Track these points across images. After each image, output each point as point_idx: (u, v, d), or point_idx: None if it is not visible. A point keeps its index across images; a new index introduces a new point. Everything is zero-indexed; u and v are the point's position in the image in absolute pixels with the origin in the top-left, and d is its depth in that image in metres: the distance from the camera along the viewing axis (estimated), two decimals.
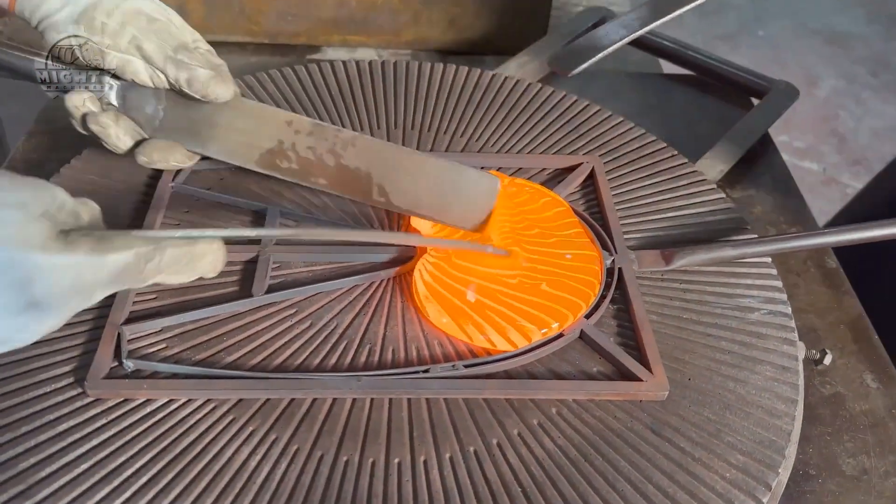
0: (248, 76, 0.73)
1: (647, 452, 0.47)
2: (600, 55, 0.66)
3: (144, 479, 0.45)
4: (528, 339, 0.52)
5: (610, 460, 0.47)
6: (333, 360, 0.52)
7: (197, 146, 0.57)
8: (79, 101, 0.55)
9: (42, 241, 0.37)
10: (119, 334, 0.51)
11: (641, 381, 0.50)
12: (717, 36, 2.33)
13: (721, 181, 0.73)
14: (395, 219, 0.62)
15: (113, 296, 0.52)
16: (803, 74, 2.25)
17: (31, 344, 0.49)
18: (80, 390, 0.49)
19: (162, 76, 0.54)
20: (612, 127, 0.71)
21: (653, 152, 0.69)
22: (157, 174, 0.63)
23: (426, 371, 0.51)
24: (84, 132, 0.57)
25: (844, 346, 0.60)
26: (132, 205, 0.61)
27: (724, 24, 2.41)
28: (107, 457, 0.46)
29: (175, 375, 0.50)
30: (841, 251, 0.66)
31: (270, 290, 0.55)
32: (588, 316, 0.55)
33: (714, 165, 0.73)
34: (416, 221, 0.59)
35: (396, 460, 0.47)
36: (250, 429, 0.48)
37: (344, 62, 0.76)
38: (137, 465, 0.45)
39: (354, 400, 0.50)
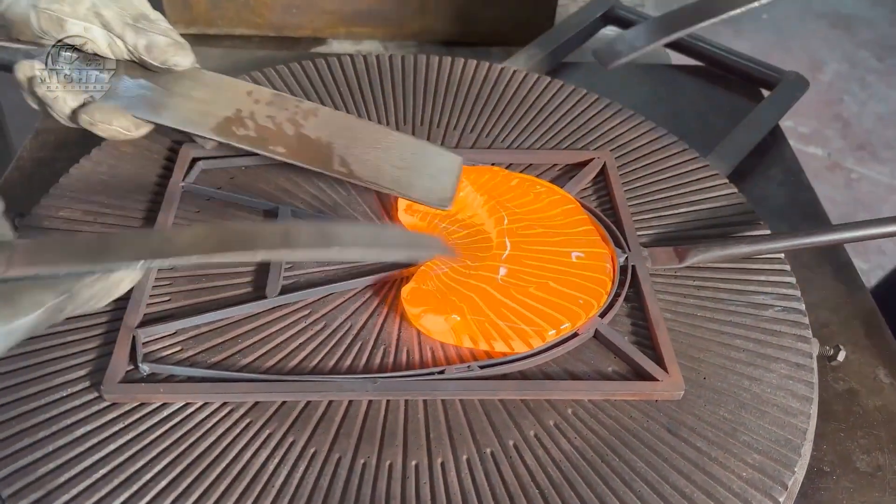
0: (254, 72, 0.72)
1: (663, 452, 0.48)
2: (644, 49, 0.66)
3: (163, 484, 0.45)
4: (528, 344, 0.52)
5: (626, 461, 0.47)
6: (348, 362, 0.52)
7: (148, 114, 0.55)
8: (28, 69, 0.55)
9: None
10: (134, 338, 0.51)
11: (657, 380, 0.50)
12: (720, 21, 2.31)
13: (732, 174, 0.72)
14: (396, 217, 0.61)
15: (126, 298, 0.52)
16: (808, 58, 2.24)
17: (46, 347, 0.51)
18: (96, 395, 0.49)
19: (120, 44, 0.54)
20: (623, 121, 0.71)
21: (664, 147, 0.69)
22: (167, 173, 0.63)
23: (441, 372, 0.51)
24: (32, 103, 0.56)
25: (857, 341, 0.60)
26: (142, 204, 0.61)
27: None
28: (125, 461, 0.46)
29: (191, 379, 0.50)
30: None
31: (284, 291, 0.55)
32: (602, 315, 0.54)
33: (725, 159, 0.72)
34: (402, 215, 0.59)
35: (414, 462, 0.47)
36: (267, 432, 0.48)
37: (351, 56, 0.75)
38: (156, 470, 0.46)
39: (371, 402, 0.50)
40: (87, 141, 0.67)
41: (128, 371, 0.50)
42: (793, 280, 0.58)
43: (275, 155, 0.53)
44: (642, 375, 0.51)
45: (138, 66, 0.55)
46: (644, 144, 0.69)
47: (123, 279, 0.44)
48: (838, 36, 2.34)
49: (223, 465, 0.46)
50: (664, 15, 0.68)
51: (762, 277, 0.58)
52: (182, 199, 0.61)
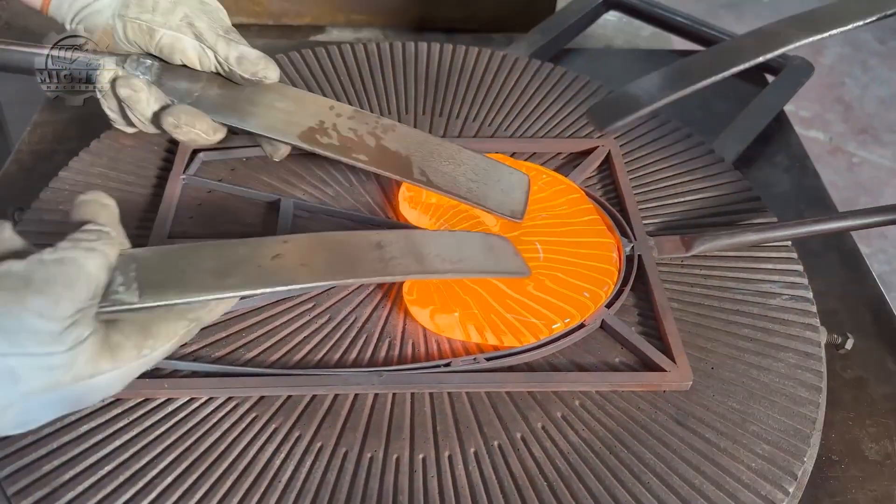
0: None
1: (672, 444, 0.47)
2: (643, 111, 0.58)
3: (169, 480, 0.45)
4: (535, 335, 0.52)
5: (635, 452, 0.47)
6: (354, 355, 0.51)
7: (234, 120, 0.56)
8: (111, 72, 0.55)
9: (89, 367, 0.35)
10: None
11: (665, 371, 0.50)
12: (722, 4, 2.29)
13: (737, 161, 0.72)
14: (399, 214, 0.61)
15: None
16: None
17: None
18: None
19: (210, 55, 0.54)
20: None
21: (669, 133, 0.68)
22: (168, 165, 0.62)
23: (447, 365, 0.50)
24: (107, 106, 0.56)
25: (865, 328, 0.60)
26: (143, 197, 0.60)
27: None
28: (130, 458, 0.46)
29: (195, 373, 0.49)
30: None
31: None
32: (609, 305, 0.54)
33: (730, 145, 0.71)
34: (404, 208, 0.59)
35: (421, 456, 0.47)
36: (273, 426, 0.47)
37: (351, 45, 0.74)
38: (162, 466, 0.45)
39: (377, 395, 0.49)
40: (86, 134, 0.66)
41: None
42: (800, 268, 0.58)
43: (357, 163, 0.55)
44: (650, 366, 0.51)
45: (221, 79, 0.55)
46: (649, 132, 0.68)
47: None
48: None
49: (229, 460, 0.46)
50: (667, 70, 0.60)
51: (769, 266, 0.58)
52: (183, 191, 0.60)
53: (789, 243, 0.59)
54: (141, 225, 0.58)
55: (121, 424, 0.47)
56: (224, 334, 0.52)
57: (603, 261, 0.56)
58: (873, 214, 0.57)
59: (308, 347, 0.52)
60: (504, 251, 0.52)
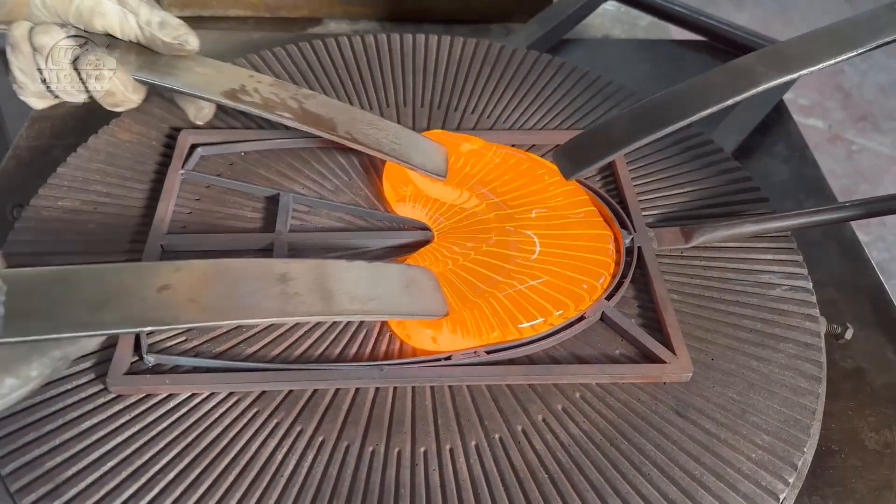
0: (251, 55, 0.71)
1: (672, 435, 0.47)
2: (612, 156, 0.54)
3: (172, 475, 0.45)
4: (534, 328, 0.52)
5: (636, 444, 0.47)
6: (354, 349, 0.51)
7: (154, 77, 0.55)
8: (25, 24, 0.52)
9: None
10: None
11: (665, 363, 0.50)
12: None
13: (736, 151, 0.72)
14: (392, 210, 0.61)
15: None
16: (808, 28, 2.21)
17: None
18: (101, 387, 0.48)
19: (131, 20, 0.53)
20: (626, 99, 0.70)
21: None
22: (166, 161, 0.62)
23: (448, 358, 0.50)
24: (16, 66, 0.53)
25: (865, 318, 0.60)
26: (142, 193, 0.60)
27: None
28: (133, 453, 0.46)
29: (196, 369, 0.49)
30: None
31: None
32: (609, 297, 0.54)
33: (729, 135, 0.71)
34: (397, 207, 0.60)
35: (422, 449, 0.47)
36: (275, 421, 0.48)
37: (349, 37, 0.74)
38: (164, 461, 0.45)
39: (378, 389, 0.49)
40: (84, 129, 0.66)
41: (133, 362, 0.49)
42: (799, 258, 0.58)
43: (282, 119, 0.55)
44: (650, 358, 0.51)
45: (141, 47, 0.55)
46: None
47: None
48: (839, 6, 2.32)
49: (231, 455, 0.46)
50: (636, 111, 0.54)
51: (769, 256, 0.58)
52: (182, 186, 0.60)
53: (789, 234, 0.59)
54: (140, 221, 0.58)
55: (123, 420, 0.47)
56: (224, 329, 0.52)
57: (599, 252, 0.56)
58: (873, 204, 0.57)
59: (309, 342, 0.52)
60: (424, 288, 0.49)
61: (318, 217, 0.60)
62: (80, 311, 0.36)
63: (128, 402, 0.48)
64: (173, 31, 0.54)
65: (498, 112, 0.68)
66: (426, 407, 0.49)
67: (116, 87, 0.53)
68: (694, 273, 0.57)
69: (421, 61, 0.72)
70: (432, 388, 0.50)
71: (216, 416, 0.48)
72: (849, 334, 0.56)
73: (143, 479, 0.45)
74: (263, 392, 0.49)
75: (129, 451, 0.46)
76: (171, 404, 0.48)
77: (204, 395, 0.48)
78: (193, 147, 0.62)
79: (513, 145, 0.65)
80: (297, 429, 0.47)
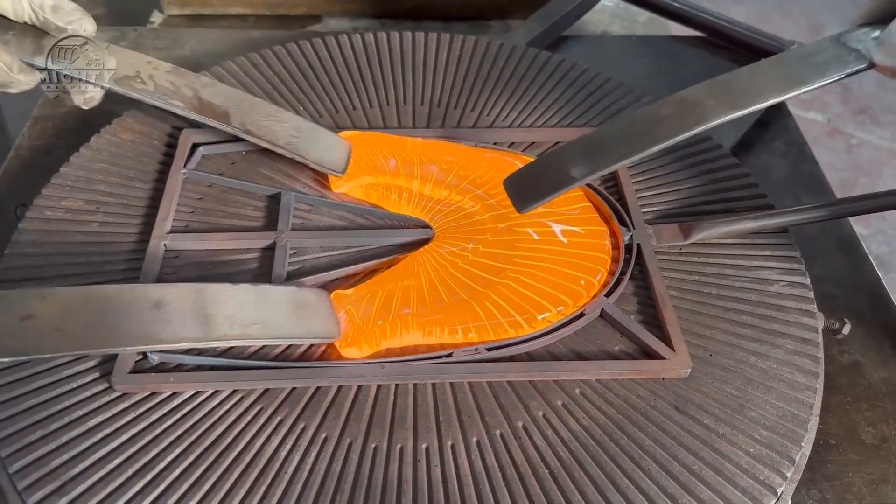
0: (252, 54, 0.72)
1: (671, 430, 0.48)
2: (561, 192, 0.52)
3: (177, 473, 0.45)
4: (533, 326, 0.52)
5: (635, 439, 0.48)
6: None
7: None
8: None
9: None
10: None
11: (664, 359, 0.51)
12: None
13: (735, 147, 0.72)
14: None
15: None
16: (807, 22, 2.21)
17: None
18: (106, 385, 0.49)
19: (24, 3, 0.52)
20: (625, 96, 0.70)
21: None
22: (168, 160, 0.62)
23: (449, 356, 0.51)
24: None
25: (862, 313, 0.61)
26: (144, 192, 0.61)
27: None
28: (138, 451, 0.46)
29: (200, 367, 0.50)
30: None
31: (290, 277, 0.55)
32: (608, 294, 0.55)
33: (728, 132, 0.72)
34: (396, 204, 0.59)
35: (424, 446, 0.47)
36: (278, 418, 0.48)
37: (349, 35, 0.74)
38: (169, 459, 0.46)
39: (379, 387, 0.50)
40: (85, 129, 0.66)
41: (137, 361, 0.50)
42: (797, 254, 0.58)
43: (174, 108, 0.54)
44: (649, 354, 0.52)
45: (35, 29, 0.54)
46: None
47: None
48: None
49: (236, 452, 0.47)
50: (584, 144, 0.53)
51: (767, 252, 0.58)
52: (184, 186, 0.61)
53: (787, 230, 0.59)
54: (142, 221, 0.59)
55: (128, 418, 0.48)
56: None
57: (596, 249, 0.56)
58: (870, 199, 0.58)
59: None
60: (314, 310, 0.48)
61: (319, 216, 0.60)
62: None
63: (133, 401, 0.48)
64: (67, 16, 0.52)
65: (497, 110, 0.69)
66: (428, 404, 0.49)
67: (1, 70, 0.52)
68: (693, 269, 0.57)
69: (421, 59, 0.73)
70: (433, 384, 0.50)
71: (220, 413, 0.48)
72: (846, 329, 0.57)
73: (149, 476, 0.45)
74: (267, 390, 0.49)
75: (134, 449, 0.46)
76: (176, 402, 0.48)
77: (208, 393, 0.49)
78: (195, 146, 0.63)
79: (512, 143, 0.66)
80: (301, 426, 0.48)
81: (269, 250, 0.57)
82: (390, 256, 0.57)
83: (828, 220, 0.60)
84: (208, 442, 0.47)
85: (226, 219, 0.59)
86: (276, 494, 0.45)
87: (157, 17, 0.92)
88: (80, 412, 0.48)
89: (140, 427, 0.47)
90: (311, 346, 0.52)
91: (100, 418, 0.47)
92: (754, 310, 0.54)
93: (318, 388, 0.50)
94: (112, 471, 0.45)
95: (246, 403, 0.49)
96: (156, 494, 0.44)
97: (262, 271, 0.56)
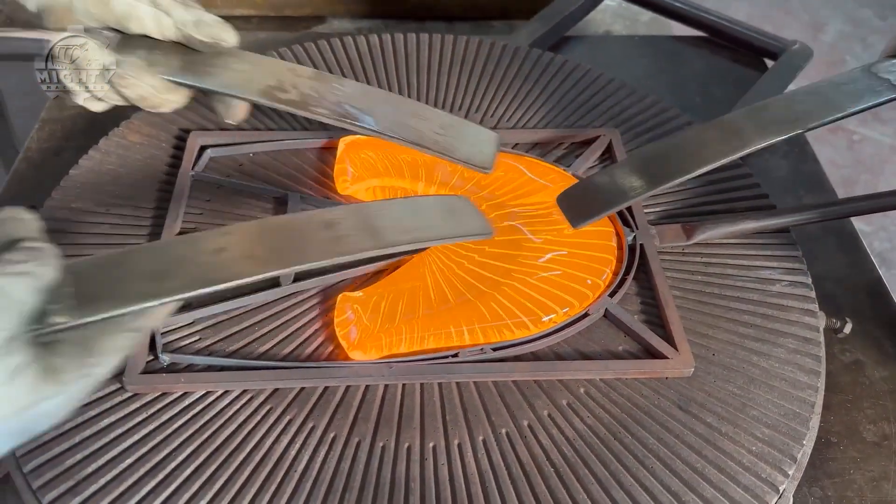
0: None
1: (674, 429, 0.49)
2: (615, 209, 0.55)
3: (188, 472, 0.46)
4: (538, 326, 0.53)
5: (639, 438, 0.48)
6: None
7: (190, 79, 0.55)
8: (65, 41, 0.52)
9: (30, 396, 0.33)
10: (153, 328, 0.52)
11: (667, 358, 0.51)
12: None
13: None
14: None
15: None
16: (809, 19, 2.21)
17: None
18: (118, 385, 0.50)
19: (167, 21, 0.53)
20: (628, 97, 0.71)
21: (669, 121, 0.69)
22: (176, 162, 0.63)
23: (455, 356, 0.51)
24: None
25: (863, 312, 0.61)
26: (153, 194, 0.61)
27: None
28: (150, 451, 0.47)
29: (210, 367, 0.51)
30: None
31: (297, 278, 0.56)
32: (612, 294, 0.55)
33: None
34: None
35: (431, 444, 0.48)
36: (287, 418, 0.49)
37: (353, 37, 0.75)
38: (180, 458, 0.47)
39: (387, 386, 0.51)
40: (94, 130, 0.67)
41: (148, 362, 0.51)
42: (799, 254, 0.59)
43: (318, 116, 0.54)
44: (653, 354, 0.52)
45: (180, 46, 0.55)
46: (649, 119, 0.69)
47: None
48: None
49: (246, 451, 0.47)
50: (637, 164, 0.55)
51: (768, 252, 0.59)
52: (192, 187, 0.61)
53: (789, 230, 0.60)
54: (152, 222, 0.59)
55: (140, 418, 0.48)
56: (237, 328, 0.53)
57: (602, 250, 0.57)
58: (871, 199, 0.58)
59: (319, 340, 0.53)
60: (465, 212, 0.49)
61: None
62: (143, 284, 0.37)
63: (144, 401, 0.49)
64: (208, 29, 0.53)
65: (501, 111, 0.69)
66: (434, 403, 0.50)
67: (147, 91, 0.53)
68: (695, 269, 0.58)
69: (425, 61, 0.73)
70: (440, 384, 0.51)
71: (230, 413, 0.49)
72: (847, 328, 0.57)
73: (161, 476, 0.46)
74: (276, 390, 0.50)
75: (146, 449, 0.47)
76: (186, 402, 0.49)
77: (218, 393, 0.50)
78: (203, 149, 0.64)
79: (516, 144, 0.66)
80: (310, 425, 0.49)
81: None
82: (396, 258, 0.57)
83: (829, 220, 0.61)
84: (219, 441, 0.48)
85: (234, 220, 0.60)
86: (286, 493, 0.45)
87: None
88: (93, 412, 0.48)
89: (152, 427, 0.48)
90: (318, 347, 0.52)
91: (112, 418, 0.48)
92: (756, 309, 0.55)
93: (326, 388, 0.50)
94: (124, 470, 0.46)
95: (255, 403, 0.50)
96: (167, 493, 0.45)
97: None
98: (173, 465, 0.46)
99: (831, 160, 1.83)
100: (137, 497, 0.45)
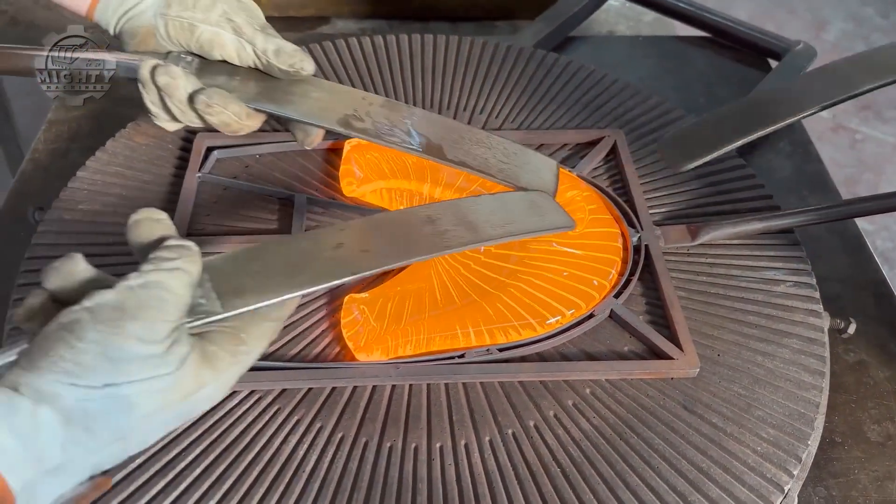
0: None
1: (680, 429, 0.49)
2: (718, 153, 0.57)
3: (197, 472, 0.47)
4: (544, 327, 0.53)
5: (644, 438, 0.49)
6: None
7: (271, 107, 0.57)
8: (151, 62, 0.55)
9: (194, 382, 0.36)
10: None
11: (673, 359, 0.52)
12: None
13: (740, 148, 0.72)
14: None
15: None
16: (812, 17, 2.21)
17: None
18: None
19: (248, 49, 0.55)
20: (632, 97, 0.71)
21: (673, 121, 0.69)
22: (183, 164, 0.63)
23: (462, 356, 0.52)
24: (148, 100, 0.56)
25: (867, 312, 0.61)
26: (160, 195, 0.62)
27: None
28: (159, 451, 0.47)
29: None
30: None
31: None
32: (617, 295, 0.56)
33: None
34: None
35: (438, 445, 0.48)
36: (295, 418, 0.49)
37: (358, 38, 0.75)
38: (190, 458, 0.47)
39: (394, 387, 0.51)
40: (100, 131, 0.68)
41: None
42: (803, 255, 0.59)
43: (391, 145, 0.56)
44: (658, 354, 0.52)
45: (258, 72, 0.57)
46: (653, 120, 0.69)
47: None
48: None
49: (254, 451, 0.48)
50: (739, 108, 0.58)
51: (773, 253, 0.59)
52: (199, 189, 0.62)
53: (793, 230, 0.60)
54: None
55: None
56: None
57: (608, 251, 0.57)
58: (875, 200, 0.58)
59: (326, 341, 0.53)
60: (547, 207, 0.52)
61: (332, 218, 0.61)
62: (279, 278, 0.40)
63: None
64: (288, 59, 0.55)
65: (507, 112, 0.69)
66: (441, 403, 0.50)
67: (230, 118, 0.55)
68: (700, 270, 0.58)
69: (430, 62, 0.74)
70: (447, 385, 0.51)
71: (239, 413, 0.49)
72: (852, 329, 0.57)
73: (171, 475, 0.46)
74: (284, 390, 0.50)
75: (155, 449, 0.47)
76: None
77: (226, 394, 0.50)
78: (209, 150, 0.64)
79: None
80: (318, 425, 0.49)
81: None
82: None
83: (833, 221, 0.61)
84: (227, 442, 0.48)
85: (241, 221, 0.60)
86: (295, 493, 0.46)
87: None
88: None
89: None
90: (326, 347, 0.53)
91: None
92: (761, 310, 0.55)
93: (333, 389, 0.51)
94: (134, 470, 0.46)
95: (264, 403, 0.50)
96: (177, 493, 0.46)
97: None
98: (183, 464, 0.47)
99: (833, 159, 1.83)
100: (147, 497, 0.45)
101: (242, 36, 0.55)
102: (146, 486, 0.46)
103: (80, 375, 0.33)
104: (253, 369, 0.50)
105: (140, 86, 0.56)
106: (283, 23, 0.94)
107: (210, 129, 0.57)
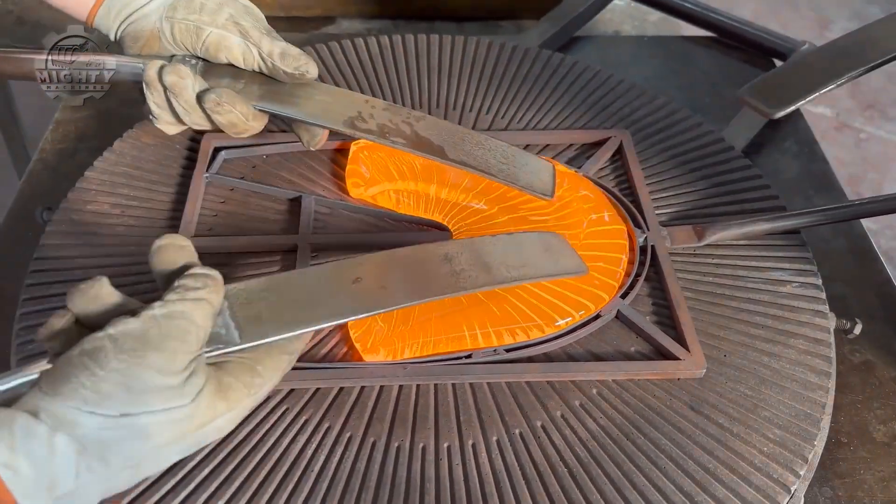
0: None
1: (686, 430, 0.49)
2: (812, 96, 0.59)
3: (206, 471, 0.47)
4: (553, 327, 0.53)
5: (651, 439, 0.49)
6: None
7: (275, 108, 0.58)
8: (157, 64, 0.56)
9: (208, 413, 0.36)
10: None
11: (679, 359, 0.52)
12: None
13: (746, 148, 0.73)
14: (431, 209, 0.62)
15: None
16: (815, 16, 2.21)
17: None
18: None
19: (254, 52, 0.56)
20: (638, 98, 0.71)
21: (679, 121, 0.69)
22: (190, 164, 0.64)
23: (469, 357, 0.52)
24: (152, 101, 0.57)
25: (873, 312, 0.61)
26: (168, 196, 0.62)
27: None
28: None
29: None
30: None
31: None
32: (624, 296, 0.56)
33: (740, 132, 0.72)
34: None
35: (446, 444, 0.49)
36: (304, 418, 0.49)
37: (364, 38, 0.75)
38: (198, 458, 0.47)
39: (401, 387, 0.51)
40: (107, 131, 0.68)
41: None
42: (809, 255, 0.59)
43: (396, 145, 0.58)
44: (664, 355, 0.53)
45: (263, 76, 0.58)
46: (659, 120, 0.69)
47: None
48: None
49: (263, 451, 0.48)
50: (827, 55, 0.60)
51: (779, 253, 0.59)
52: (206, 189, 0.62)
53: (799, 231, 0.60)
54: (167, 224, 0.60)
55: None
56: None
57: (615, 250, 0.57)
58: (883, 202, 0.58)
59: (334, 341, 0.53)
60: (561, 251, 0.53)
61: (339, 219, 0.61)
62: (297, 311, 0.41)
63: None
64: (294, 62, 0.56)
65: (512, 112, 0.70)
66: (448, 403, 0.50)
67: (237, 118, 0.56)
68: (706, 271, 0.58)
69: (435, 62, 0.74)
70: (454, 385, 0.51)
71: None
72: (858, 329, 0.57)
73: (180, 475, 0.46)
74: (292, 390, 0.51)
75: None
76: None
77: None
78: (217, 150, 0.64)
79: (527, 145, 0.67)
80: (326, 425, 0.49)
81: (291, 252, 0.58)
82: None
83: (839, 222, 0.61)
84: (236, 441, 0.48)
85: (248, 222, 0.61)
86: (303, 493, 0.46)
87: None
88: None
89: None
90: (333, 347, 0.53)
91: None
92: (767, 310, 0.55)
93: (341, 389, 0.51)
94: None
95: (272, 403, 0.50)
96: (186, 493, 0.46)
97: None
98: (191, 465, 0.47)
99: (838, 158, 1.82)
100: (156, 497, 0.46)
101: (249, 39, 0.55)
102: (154, 486, 0.46)
103: (98, 403, 0.33)
104: None
105: (144, 87, 0.56)
106: (288, 23, 0.95)
107: (210, 131, 0.57)
